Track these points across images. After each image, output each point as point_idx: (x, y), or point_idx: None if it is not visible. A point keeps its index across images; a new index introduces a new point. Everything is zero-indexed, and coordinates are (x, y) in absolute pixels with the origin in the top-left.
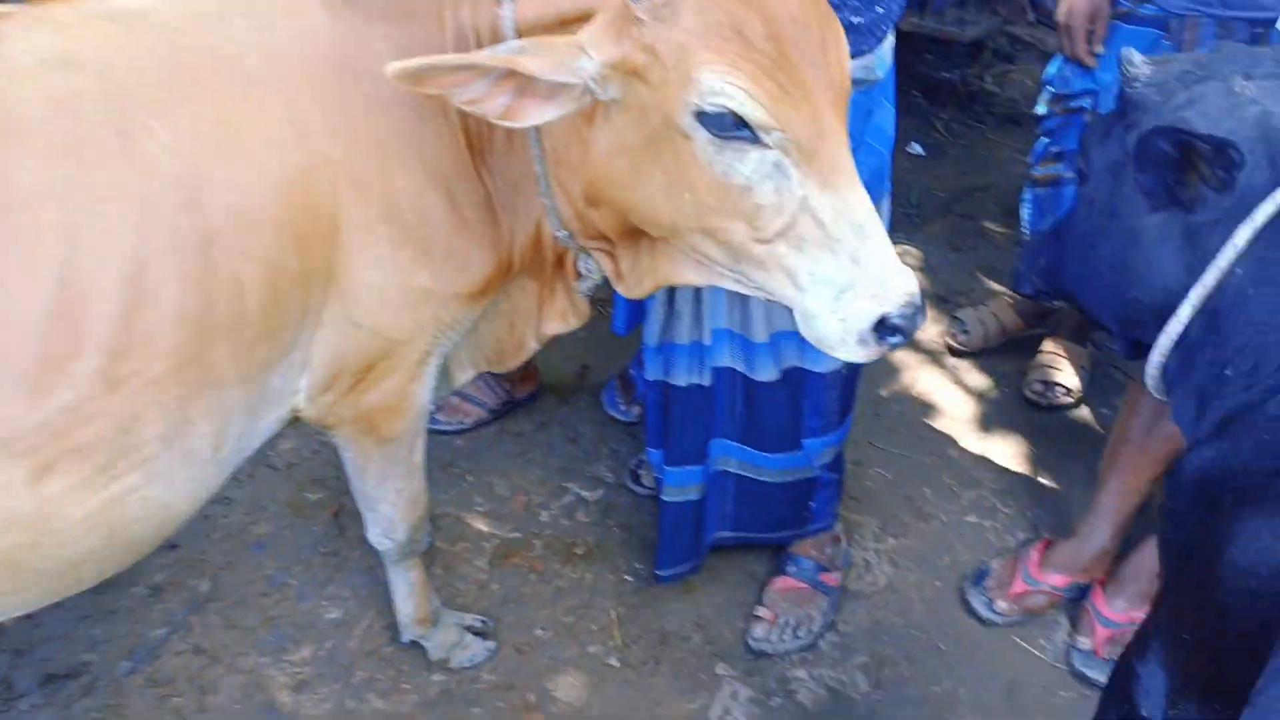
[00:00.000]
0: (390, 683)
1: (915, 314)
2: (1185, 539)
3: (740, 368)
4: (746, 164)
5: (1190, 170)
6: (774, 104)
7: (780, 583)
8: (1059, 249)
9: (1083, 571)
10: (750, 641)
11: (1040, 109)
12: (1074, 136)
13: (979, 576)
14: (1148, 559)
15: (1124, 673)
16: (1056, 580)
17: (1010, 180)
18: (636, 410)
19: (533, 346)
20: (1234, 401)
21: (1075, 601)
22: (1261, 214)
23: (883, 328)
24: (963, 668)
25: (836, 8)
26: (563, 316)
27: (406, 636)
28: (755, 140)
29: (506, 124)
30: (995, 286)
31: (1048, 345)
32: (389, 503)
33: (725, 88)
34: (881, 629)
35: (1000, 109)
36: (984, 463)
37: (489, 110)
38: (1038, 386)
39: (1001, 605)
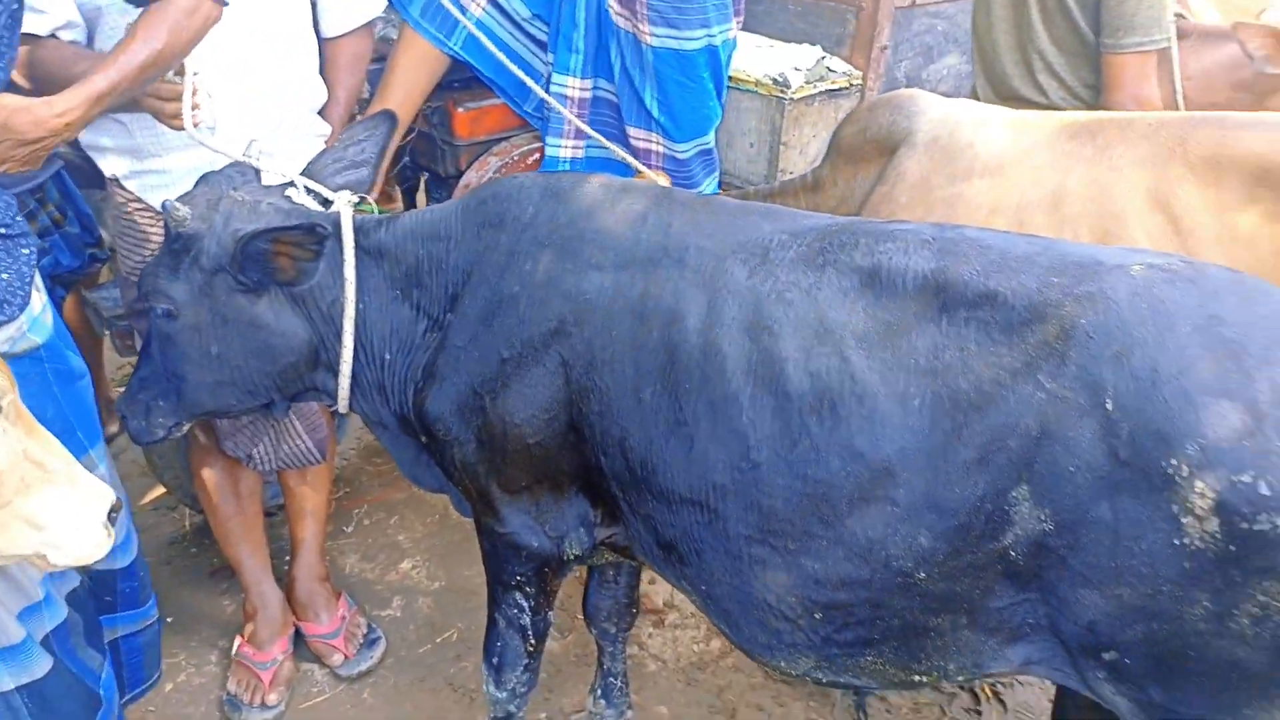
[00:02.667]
0: None
1: None
2: (476, 439)
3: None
4: None
5: (278, 257)
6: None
7: None
8: (171, 386)
9: (285, 627)
10: None
11: None
12: None
13: (232, 703)
14: (302, 575)
15: (496, 548)
16: (279, 647)
17: None
18: None
19: None
20: (415, 361)
21: (298, 644)
22: (349, 250)
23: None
24: None
25: None
26: None
27: None
28: None
29: None
30: None
31: None
32: None
33: None
34: None
35: None
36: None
37: None
38: None
39: (271, 698)
